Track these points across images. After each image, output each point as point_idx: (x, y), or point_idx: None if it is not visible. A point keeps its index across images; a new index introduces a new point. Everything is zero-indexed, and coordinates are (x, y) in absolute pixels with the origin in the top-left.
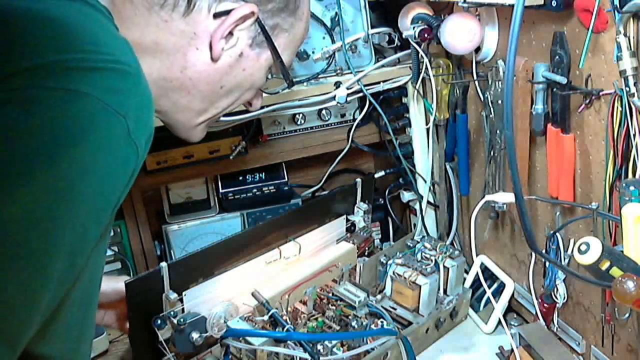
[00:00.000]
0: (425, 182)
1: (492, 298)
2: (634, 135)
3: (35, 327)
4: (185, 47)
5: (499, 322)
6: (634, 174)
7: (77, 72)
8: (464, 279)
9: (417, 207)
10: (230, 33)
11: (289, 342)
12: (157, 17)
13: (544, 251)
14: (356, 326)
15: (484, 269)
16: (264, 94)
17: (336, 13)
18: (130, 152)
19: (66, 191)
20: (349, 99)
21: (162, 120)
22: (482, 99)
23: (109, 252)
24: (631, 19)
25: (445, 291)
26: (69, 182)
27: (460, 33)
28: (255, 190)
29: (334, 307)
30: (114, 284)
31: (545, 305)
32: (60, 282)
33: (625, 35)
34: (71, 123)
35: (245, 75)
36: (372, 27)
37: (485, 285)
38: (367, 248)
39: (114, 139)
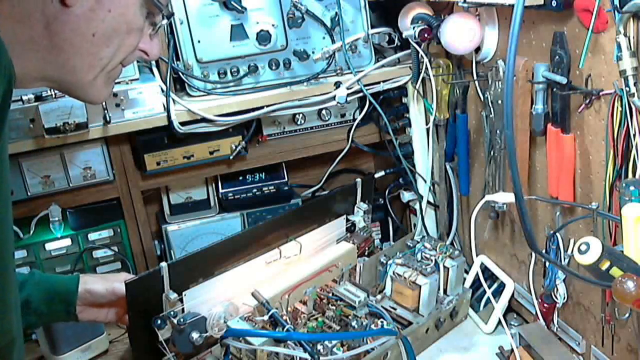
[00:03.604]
0: (425, 182)
1: (492, 298)
2: (634, 135)
3: None
4: (39, 4)
5: (499, 322)
6: (634, 174)
7: None
8: (464, 279)
9: (417, 207)
10: None
11: (289, 342)
12: None
13: (544, 251)
14: (356, 326)
15: (484, 269)
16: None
17: (336, 13)
18: None
19: None
20: (349, 99)
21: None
22: (482, 99)
23: (109, 252)
24: (631, 19)
25: (445, 291)
26: None
27: (460, 33)
28: (255, 190)
29: (334, 307)
30: (109, 285)
31: (545, 305)
32: None
33: (625, 35)
34: None
35: (114, 16)
36: (372, 27)
37: (485, 285)
38: (367, 248)
39: None
